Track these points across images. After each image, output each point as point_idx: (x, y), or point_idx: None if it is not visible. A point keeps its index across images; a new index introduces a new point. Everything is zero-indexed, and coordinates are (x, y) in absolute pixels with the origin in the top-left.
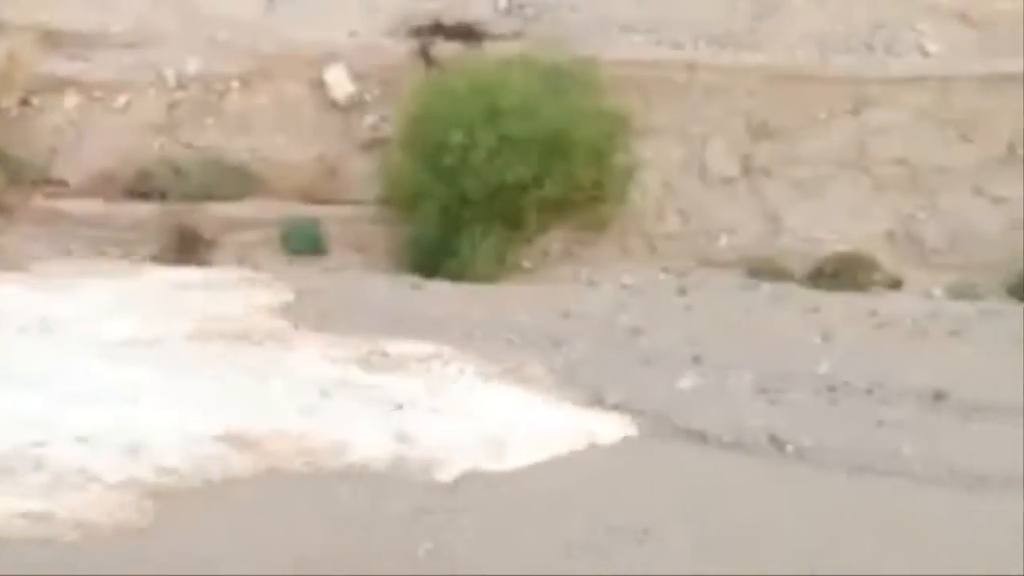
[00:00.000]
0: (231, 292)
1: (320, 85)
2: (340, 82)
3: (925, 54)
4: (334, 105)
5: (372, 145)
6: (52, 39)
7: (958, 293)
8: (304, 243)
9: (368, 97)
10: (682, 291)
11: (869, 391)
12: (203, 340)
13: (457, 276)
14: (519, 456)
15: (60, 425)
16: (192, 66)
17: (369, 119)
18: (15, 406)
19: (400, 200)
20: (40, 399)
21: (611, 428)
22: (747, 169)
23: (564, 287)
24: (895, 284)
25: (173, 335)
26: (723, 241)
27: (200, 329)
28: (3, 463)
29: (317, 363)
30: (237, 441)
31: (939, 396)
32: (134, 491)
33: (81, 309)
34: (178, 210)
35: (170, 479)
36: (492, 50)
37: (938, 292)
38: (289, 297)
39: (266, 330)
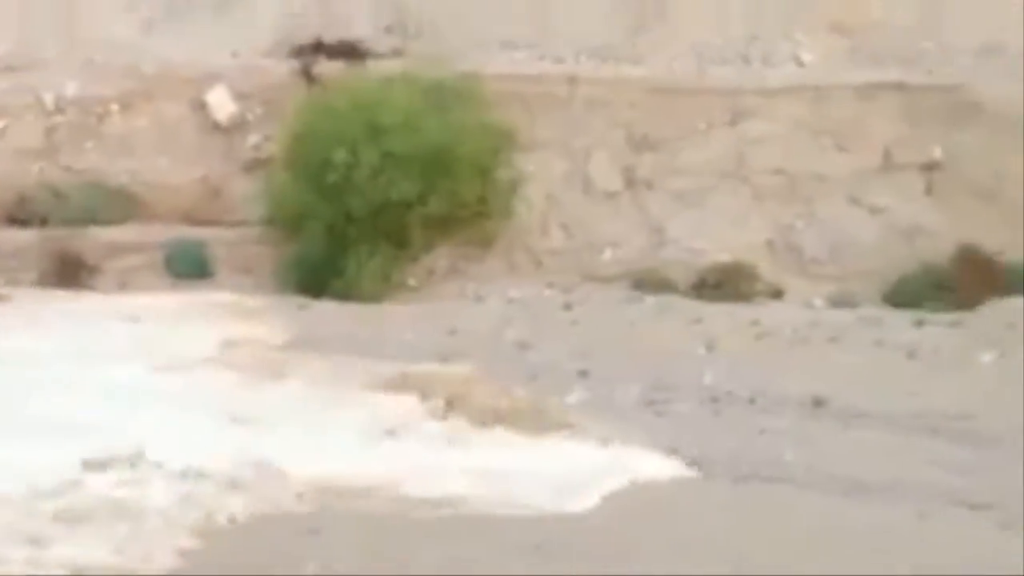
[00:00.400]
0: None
1: (201, 106)
2: (221, 103)
3: (800, 64)
4: (216, 126)
5: (255, 165)
6: None
7: (837, 301)
8: (189, 266)
9: (250, 117)
10: (568, 306)
11: (752, 400)
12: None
13: (343, 296)
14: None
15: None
16: (70, 89)
17: (252, 139)
18: None
19: (285, 220)
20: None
21: None
22: (629, 182)
23: (450, 304)
24: (776, 293)
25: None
26: (607, 255)
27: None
28: None
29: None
30: None
31: (819, 403)
32: None
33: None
34: (59, 235)
35: None
36: (374, 68)
37: (818, 301)
38: None
39: None
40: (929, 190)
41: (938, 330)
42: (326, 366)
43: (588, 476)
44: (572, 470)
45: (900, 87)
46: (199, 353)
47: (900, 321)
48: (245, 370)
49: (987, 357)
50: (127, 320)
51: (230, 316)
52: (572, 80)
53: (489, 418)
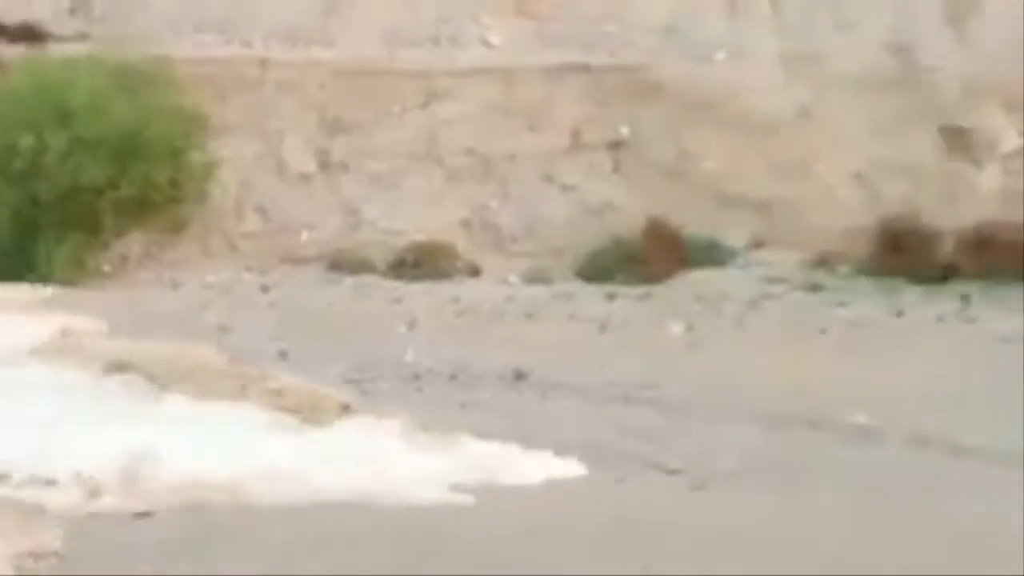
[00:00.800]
0: None
1: None
2: None
3: (489, 47)
4: None
5: None
6: None
7: (533, 278)
8: None
9: None
10: (265, 288)
11: (453, 376)
12: None
13: (35, 283)
14: None
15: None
16: None
17: None
18: None
19: None
20: None
21: None
22: (324, 164)
23: (146, 290)
24: (474, 271)
25: None
26: (304, 237)
27: None
28: None
29: None
30: None
31: (519, 376)
32: None
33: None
34: None
35: None
36: (57, 51)
37: (514, 278)
38: None
39: None
40: (617, 167)
41: (628, 303)
42: None
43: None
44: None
45: (585, 68)
46: None
47: (592, 295)
48: None
49: (676, 328)
50: None
51: None
52: (263, 63)
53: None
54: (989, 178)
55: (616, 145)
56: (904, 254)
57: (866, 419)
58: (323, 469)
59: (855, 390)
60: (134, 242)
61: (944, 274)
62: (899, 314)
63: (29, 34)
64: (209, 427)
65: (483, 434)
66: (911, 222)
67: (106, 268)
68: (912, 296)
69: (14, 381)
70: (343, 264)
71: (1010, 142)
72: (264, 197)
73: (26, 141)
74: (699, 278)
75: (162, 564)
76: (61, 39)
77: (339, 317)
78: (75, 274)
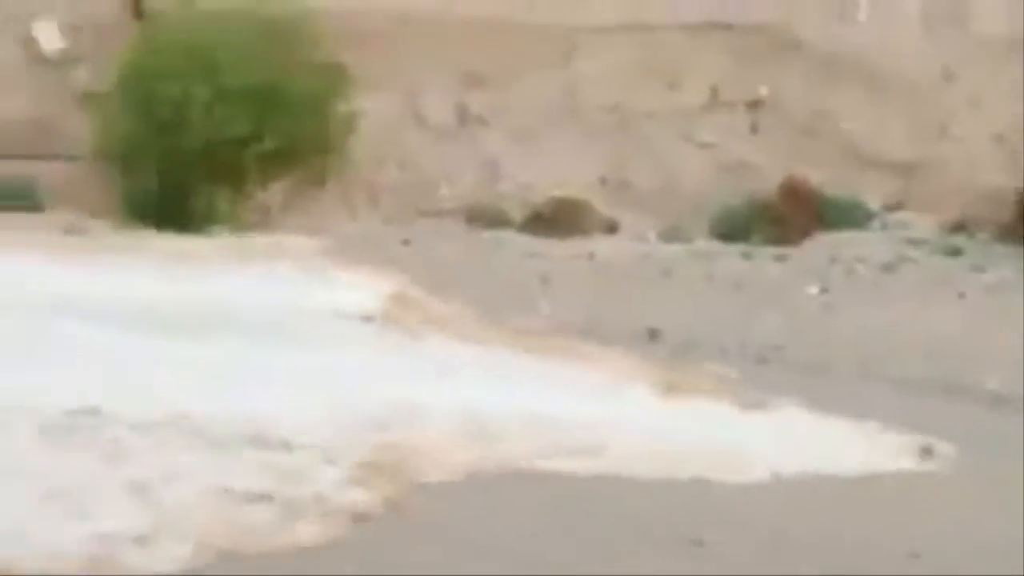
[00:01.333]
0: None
1: (30, 40)
2: (50, 37)
3: (629, 2)
4: (45, 60)
5: (87, 100)
6: None
7: (669, 236)
8: (19, 200)
9: (80, 51)
10: (406, 242)
11: (586, 331)
12: None
13: (182, 230)
14: None
15: None
16: None
17: (82, 74)
18: None
19: (120, 156)
20: None
21: None
22: (463, 118)
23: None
24: (611, 228)
25: None
26: (442, 190)
27: None
28: None
29: None
30: None
31: (654, 335)
32: None
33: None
34: None
35: None
36: (205, 2)
37: (651, 235)
38: None
39: None
40: (755, 127)
41: (764, 262)
42: None
43: None
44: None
45: (726, 27)
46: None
47: (728, 254)
48: None
49: (812, 289)
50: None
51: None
52: (403, 17)
53: None
54: None
55: (755, 104)
56: None
57: (1000, 384)
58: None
59: (992, 354)
60: (277, 193)
61: None
62: None
63: None
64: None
65: None
66: None
67: (251, 218)
68: None
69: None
70: (480, 218)
71: None
72: (404, 151)
73: (171, 92)
74: (836, 239)
75: None
76: None
77: (475, 270)
78: (220, 223)
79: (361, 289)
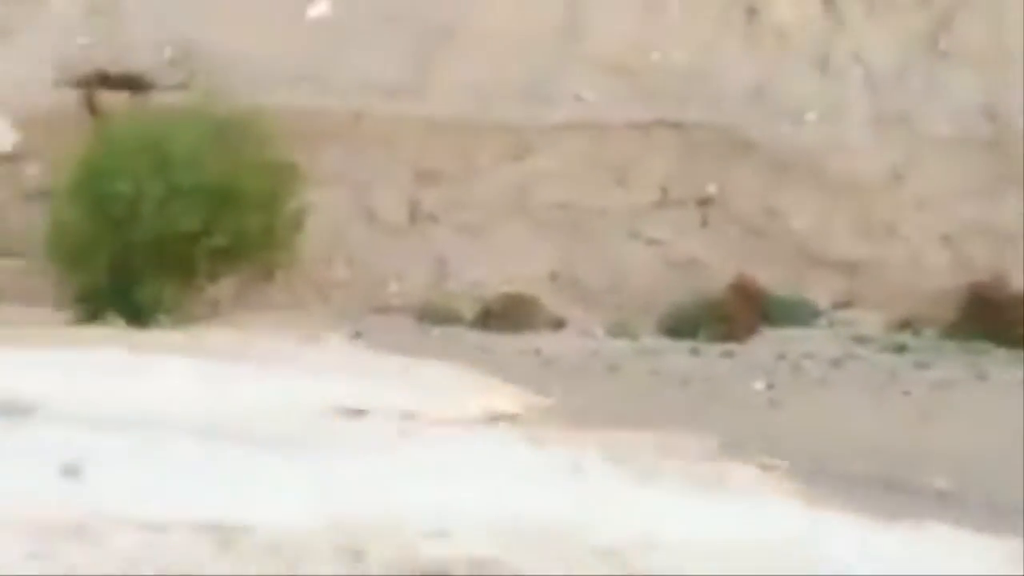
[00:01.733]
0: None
1: None
2: (3, 132)
3: (581, 101)
4: None
5: (37, 196)
6: None
7: (617, 332)
8: None
9: (32, 147)
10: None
11: None
12: None
13: (131, 323)
14: None
15: None
16: None
17: (34, 170)
18: None
19: (69, 251)
20: None
21: None
22: (414, 215)
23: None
24: (559, 324)
25: None
26: (392, 287)
27: None
28: None
29: None
30: None
31: None
32: None
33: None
34: None
35: None
36: (158, 100)
37: (598, 331)
38: None
39: None
40: (704, 224)
41: (712, 359)
42: None
43: None
44: None
45: (676, 126)
46: None
47: (676, 350)
48: None
49: (758, 385)
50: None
51: None
52: (357, 116)
53: None
54: None
55: (704, 202)
56: (990, 319)
57: (946, 483)
58: None
59: (936, 453)
60: (226, 287)
61: None
62: (982, 377)
63: (131, 84)
64: None
65: None
66: (998, 286)
67: (198, 313)
68: (996, 359)
69: None
70: (431, 315)
71: None
72: (354, 247)
73: (125, 188)
74: (783, 336)
75: None
76: (162, 88)
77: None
78: (173, 318)
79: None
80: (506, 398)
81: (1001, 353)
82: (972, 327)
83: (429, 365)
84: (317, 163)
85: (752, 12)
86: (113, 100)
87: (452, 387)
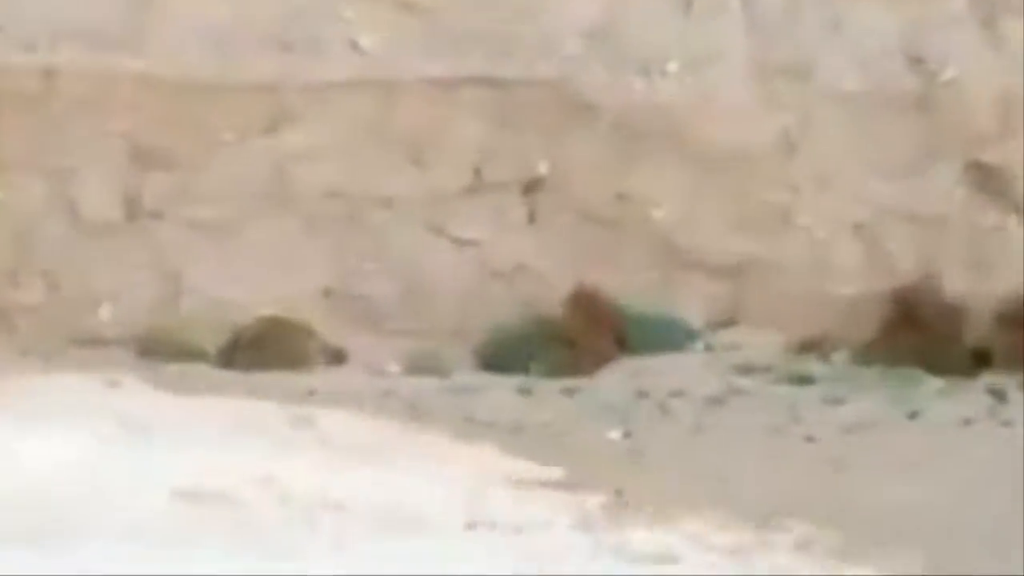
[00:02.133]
0: None
1: None
2: None
3: (359, 52)
4: None
5: None
6: None
7: (418, 367)
8: None
9: None
10: None
11: None
12: None
13: None
14: None
15: None
16: None
17: None
18: None
19: None
20: None
21: None
22: (132, 211)
23: None
24: (338, 357)
25: None
26: (104, 312)
27: None
28: None
29: None
30: None
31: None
32: None
33: None
34: None
35: None
36: None
37: (393, 366)
38: None
39: None
40: (532, 216)
41: (548, 400)
42: None
43: None
44: None
45: (490, 83)
46: None
47: (499, 390)
48: None
49: (612, 435)
50: None
51: None
52: (49, 74)
53: None
54: None
55: (532, 186)
56: (919, 335)
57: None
58: None
59: (854, 517)
60: None
61: (973, 362)
62: (912, 415)
63: None
64: None
65: None
66: (928, 292)
67: None
68: (930, 391)
69: None
70: (158, 349)
71: None
72: (51, 257)
73: None
74: (643, 367)
75: None
76: None
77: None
78: None
79: None
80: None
81: (934, 382)
82: (896, 348)
83: None
84: None
85: None
86: None
87: None
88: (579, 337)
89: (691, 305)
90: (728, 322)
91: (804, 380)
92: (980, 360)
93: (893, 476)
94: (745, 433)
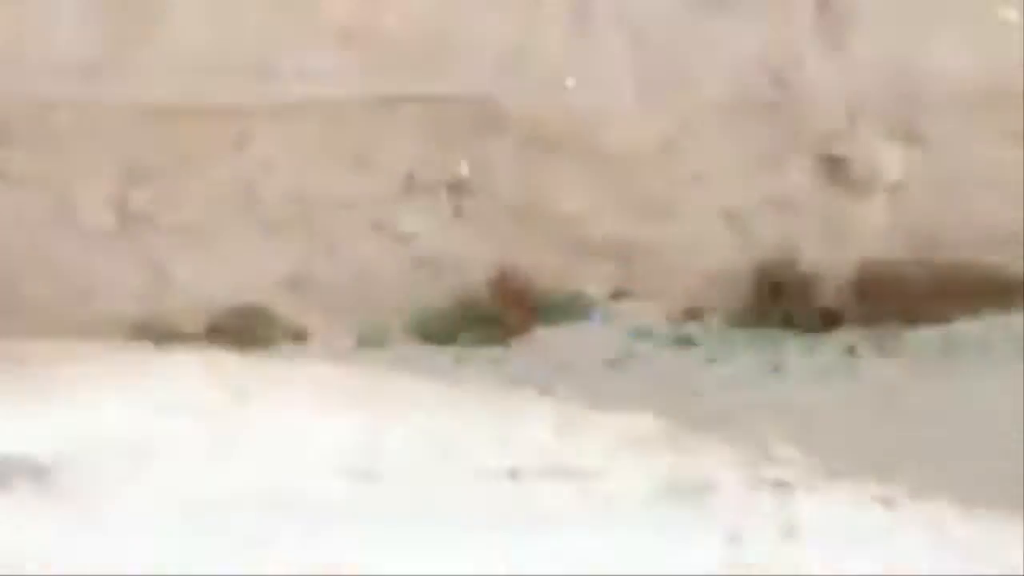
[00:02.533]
0: None
1: None
2: None
3: (308, 76)
4: None
5: None
6: None
7: (366, 340)
8: None
9: None
10: None
11: None
12: None
13: None
14: None
15: None
16: None
17: None
18: None
19: None
20: None
21: None
22: (124, 219)
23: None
24: (299, 336)
25: None
26: (99, 303)
27: None
28: None
29: None
30: None
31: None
32: None
33: None
34: None
35: None
36: None
37: (347, 342)
38: None
39: None
40: (458, 212)
41: (476, 366)
42: None
43: None
44: None
45: (418, 99)
46: None
47: (434, 359)
48: None
49: (529, 393)
50: None
51: None
52: (47, 104)
53: None
54: (874, 213)
55: (457, 187)
56: (782, 302)
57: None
58: None
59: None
60: None
61: (827, 323)
62: (776, 369)
63: None
64: None
65: None
66: (789, 266)
67: None
68: (791, 348)
69: None
70: (146, 334)
71: (895, 171)
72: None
73: None
74: (554, 335)
75: None
76: None
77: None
78: None
79: None
80: None
81: (796, 341)
82: (762, 313)
83: None
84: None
85: None
86: None
87: None
88: (500, 313)
89: (592, 282)
90: (623, 295)
91: (687, 343)
92: (833, 321)
93: (766, 421)
94: (640, 388)
